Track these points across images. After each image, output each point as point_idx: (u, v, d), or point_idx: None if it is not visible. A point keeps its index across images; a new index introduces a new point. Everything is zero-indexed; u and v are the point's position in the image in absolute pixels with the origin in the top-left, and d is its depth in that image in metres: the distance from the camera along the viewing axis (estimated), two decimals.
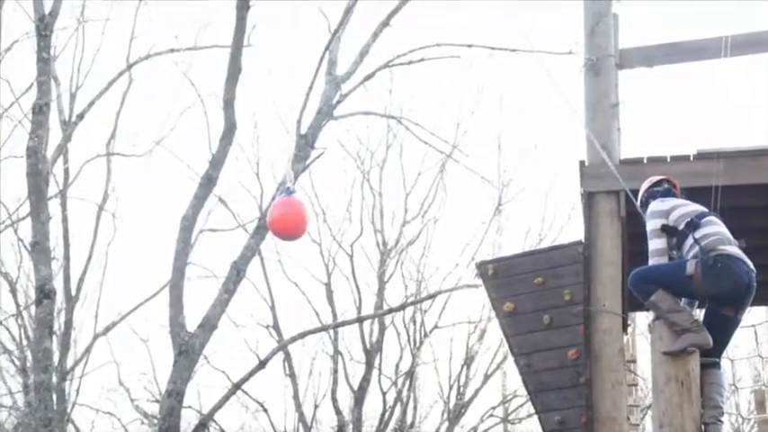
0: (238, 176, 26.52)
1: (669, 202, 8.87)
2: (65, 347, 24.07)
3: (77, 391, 25.61)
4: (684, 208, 8.75)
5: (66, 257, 24.18)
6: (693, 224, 8.57)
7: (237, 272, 17.30)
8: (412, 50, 18.66)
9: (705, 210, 8.77)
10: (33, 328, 17.36)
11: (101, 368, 26.02)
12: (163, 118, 25.64)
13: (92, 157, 24.49)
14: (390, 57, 19.00)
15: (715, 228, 8.58)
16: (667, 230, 8.69)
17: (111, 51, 23.86)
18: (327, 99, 18.13)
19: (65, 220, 23.77)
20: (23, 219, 21.94)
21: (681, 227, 8.61)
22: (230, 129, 16.99)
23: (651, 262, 8.69)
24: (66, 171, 23.67)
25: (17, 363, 24.84)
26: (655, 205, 8.88)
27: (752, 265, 8.45)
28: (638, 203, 9.27)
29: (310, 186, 26.89)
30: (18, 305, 23.99)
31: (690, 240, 8.52)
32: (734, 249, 8.46)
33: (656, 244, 8.68)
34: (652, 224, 8.75)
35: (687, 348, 8.21)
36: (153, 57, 22.50)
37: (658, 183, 9.19)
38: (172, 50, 21.96)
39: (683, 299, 8.68)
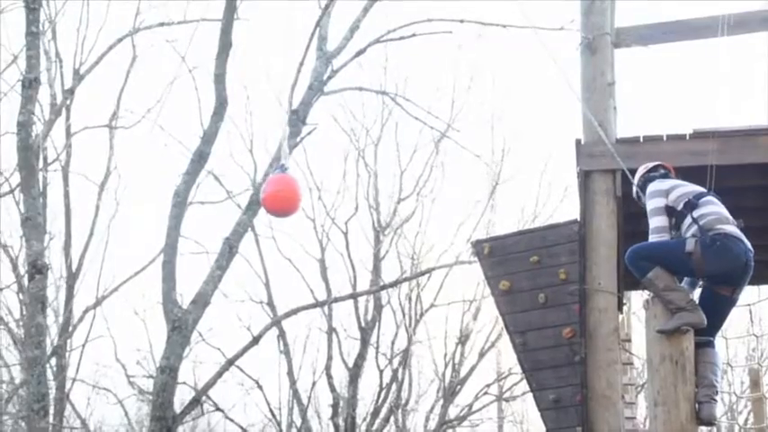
0: (231, 151, 26.60)
1: (668, 182, 8.89)
2: (65, 323, 24.07)
3: (77, 367, 25.68)
4: (683, 188, 8.76)
5: (68, 233, 24.17)
6: (691, 204, 8.58)
7: (230, 248, 17.28)
8: (403, 26, 18.59)
9: (704, 190, 8.77)
10: (26, 304, 17.35)
11: (97, 343, 26.04)
12: (156, 93, 25.66)
13: (79, 129, 24.40)
14: (382, 32, 18.95)
15: (713, 207, 8.58)
16: (667, 210, 8.70)
17: (117, 28, 23.79)
18: (318, 75, 18.08)
19: (66, 194, 23.75)
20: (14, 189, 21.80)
21: (679, 207, 8.62)
22: (221, 104, 16.97)
23: (652, 239, 8.68)
24: (69, 146, 23.67)
25: (15, 336, 24.79)
26: (654, 185, 8.89)
27: (749, 245, 8.46)
28: (635, 189, 9.27)
29: (305, 162, 26.93)
30: (19, 278, 23.90)
31: (688, 220, 8.52)
32: (732, 229, 8.45)
33: (657, 222, 8.68)
34: (653, 203, 8.75)
35: (681, 327, 8.20)
36: (142, 30, 22.43)
37: (654, 168, 9.20)
38: (162, 24, 21.87)
39: (684, 279, 8.69)
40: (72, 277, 24.40)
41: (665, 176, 9.07)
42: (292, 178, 9.77)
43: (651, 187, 8.89)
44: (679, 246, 8.44)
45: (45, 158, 22.27)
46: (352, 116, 27.97)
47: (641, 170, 9.25)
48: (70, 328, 24.73)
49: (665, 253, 8.50)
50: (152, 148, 32.05)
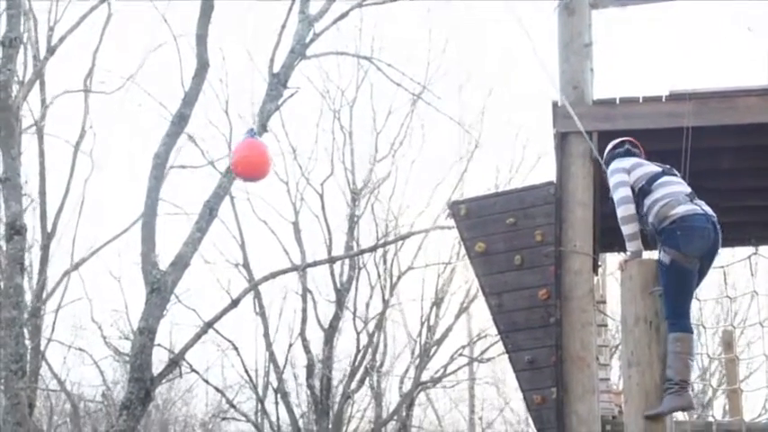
0: (207, 114, 26.51)
1: (629, 161, 8.77)
2: (41, 284, 24.03)
3: (53, 326, 25.66)
4: (642, 169, 8.66)
5: (43, 193, 24.11)
6: (644, 191, 8.49)
7: (210, 211, 17.30)
8: None
9: (659, 170, 8.63)
10: (4, 265, 17.31)
11: (73, 304, 26.06)
12: (137, 56, 25.58)
13: (60, 92, 24.34)
14: None
15: (663, 190, 8.46)
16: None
17: None
18: (300, 38, 18.05)
19: (41, 155, 23.66)
20: None
21: (636, 191, 8.55)
22: (203, 66, 16.95)
23: (619, 211, 8.59)
24: (44, 107, 23.57)
25: None
26: (615, 163, 8.78)
27: (710, 211, 8.35)
28: (603, 165, 9.27)
29: (280, 125, 26.87)
30: None
31: (643, 210, 8.50)
32: (684, 207, 8.30)
33: (621, 192, 8.57)
34: (616, 178, 8.64)
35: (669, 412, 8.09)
36: None
37: (620, 144, 9.12)
38: None
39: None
40: (47, 238, 24.37)
41: (628, 153, 8.95)
42: (261, 143, 9.87)
43: (613, 165, 8.80)
44: (671, 271, 8.20)
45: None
46: (326, 77, 27.93)
47: (609, 147, 9.21)
48: (47, 290, 24.73)
49: (679, 292, 8.24)
50: (132, 111, 31.91)
